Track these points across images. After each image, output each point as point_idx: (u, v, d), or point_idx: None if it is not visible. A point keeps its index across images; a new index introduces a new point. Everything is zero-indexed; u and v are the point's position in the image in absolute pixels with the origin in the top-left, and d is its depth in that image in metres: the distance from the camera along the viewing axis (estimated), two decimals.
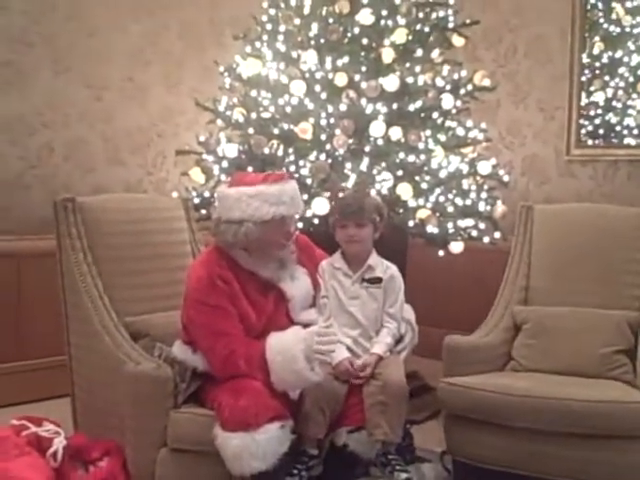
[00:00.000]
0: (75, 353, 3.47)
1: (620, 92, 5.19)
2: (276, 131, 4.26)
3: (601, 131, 5.28)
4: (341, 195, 3.31)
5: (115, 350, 3.21)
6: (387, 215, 3.38)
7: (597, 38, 5.26)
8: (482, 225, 4.39)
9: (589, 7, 5.24)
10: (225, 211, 3.09)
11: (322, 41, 4.30)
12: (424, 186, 4.17)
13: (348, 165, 4.05)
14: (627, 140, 5.16)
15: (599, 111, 5.27)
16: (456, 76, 4.46)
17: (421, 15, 4.40)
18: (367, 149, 4.14)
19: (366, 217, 3.21)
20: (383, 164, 4.10)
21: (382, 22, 4.28)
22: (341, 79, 4.14)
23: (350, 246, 3.23)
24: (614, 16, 5.16)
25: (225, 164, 4.35)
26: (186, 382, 3.08)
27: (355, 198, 3.24)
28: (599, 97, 5.26)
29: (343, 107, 4.12)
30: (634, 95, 5.12)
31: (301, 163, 4.12)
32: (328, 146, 4.10)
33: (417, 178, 4.17)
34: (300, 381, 2.97)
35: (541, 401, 3.29)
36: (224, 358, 2.96)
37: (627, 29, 5.13)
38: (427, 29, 4.41)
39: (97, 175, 5.10)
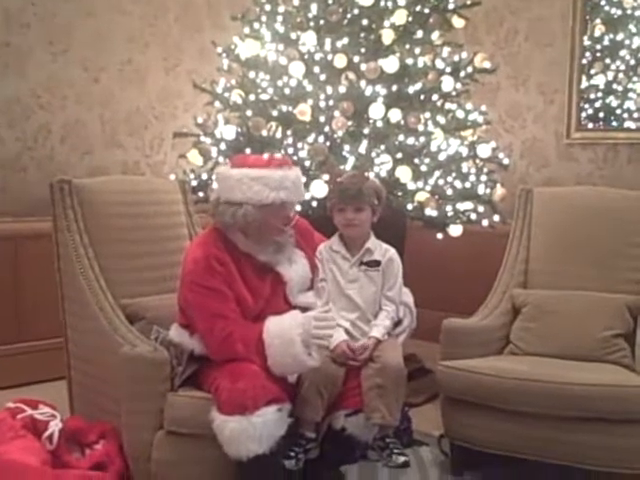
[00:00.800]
0: (71, 335, 3.46)
1: (621, 75, 5.16)
2: (274, 113, 4.24)
3: (601, 114, 5.25)
4: (340, 178, 3.28)
5: (111, 332, 3.19)
6: (385, 198, 3.36)
7: (598, 20, 5.23)
8: (481, 208, 4.38)
9: None
10: (225, 192, 3.07)
11: (321, 22, 4.27)
12: (423, 169, 4.15)
13: (347, 147, 4.03)
14: (627, 123, 5.14)
15: (599, 94, 5.24)
16: (456, 58, 4.43)
17: None
18: (366, 131, 4.12)
19: (365, 201, 3.19)
20: (382, 146, 4.08)
21: (382, 3, 4.24)
22: (340, 61, 4.12)
23: (349, 230, 3.22)
24: None
25: (223, 146, 4.33)
26: (183, 365, 3.07)
27: (354, 182, 3.22)
28: (599, 80, 5.24)
29: (342, 89, 4.10)
30: (635, 78, 5.10)
31: (299, 145, 4.10)
32: (327, 128, 4.08)
33: (416, 161, 4.15)
34: (297, 366, 2.95)
35: (539, 384, 3.28)
36: (221, 341, 2.95)
37: (628, 11, 5.10)
38: (427, 10, 4.37)
39: (94, 157, 5.09)
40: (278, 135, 4.14)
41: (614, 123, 5.20)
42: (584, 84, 5.29)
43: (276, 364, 2.93)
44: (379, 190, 3.28)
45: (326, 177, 3.84)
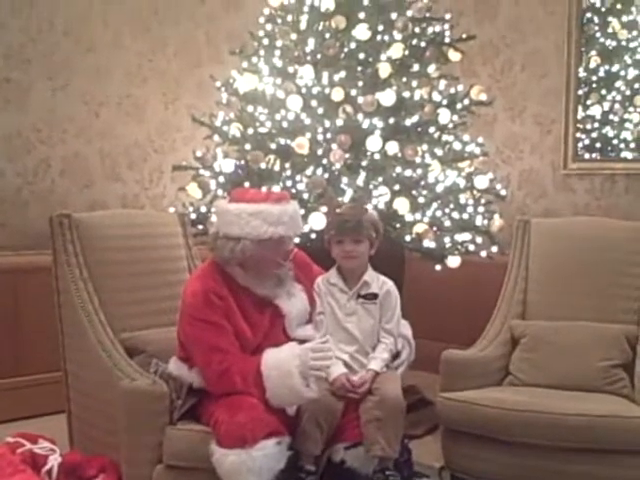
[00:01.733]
0: (71, 369, 3.46)
1: (617, 105, 5.19)
2: (273, 146, 4.26)
3: (598, 145, 5.27)
4: (338, 210, 3.30)
5: (111, 366, 3.19)
6: (383, 230, 3.38)
7: (593, 52, 5.27)
8: (479, 239, 4.38)
9: (585, 21, 5.24)
10: (223, 226, 3.08)
11: (319, 56, 4.30)
12: (421, 200, 4.17)
13: (345, 180, 4.05)
14: (624, 154, 5.16)
15: (596, 125, 5.27)
16: (453, 90, 4.46)
17: (417, 30, 4.40)
18: (364, 164, 4.14)
19: (363, 233, 3.20)
20: (380, 179, 4.10)
21: (378, 37, 4.28)
22: (338, 94, 4.15)
23: (347, 262, 3.22)
24: (610, 30, 5.16)
25: (222, 179, 4.35)
26: (182, 398, 3.07)
27: (352, 214, 3.23)
28: (596, 111, 5.26)
29: (340, 122, 4.13)
30: (631, 108, 5.12)
31: (298, 178, 4.12)
32: (325, 161, 4.10)
33: (414, 192, 4.16)
34: (295, 397, 2.95)
35: (539, 415, 3.29)
36: (219, 374, 2.95)
37: (623, 43, 5.13)
38: (423, 44, 4.41)
39: (94, 191, 5.11)
40: (276, 168, 4.16)
41: (611, 153, 5.23)
42: (580, 114, 5.31)
43: (274, 396, 2.93)
44: (377, 223, 3.29)
45: (324, 209, 3.86)
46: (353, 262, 3.21)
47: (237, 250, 3.02)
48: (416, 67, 4.37)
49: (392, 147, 4.09)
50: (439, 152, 4.34)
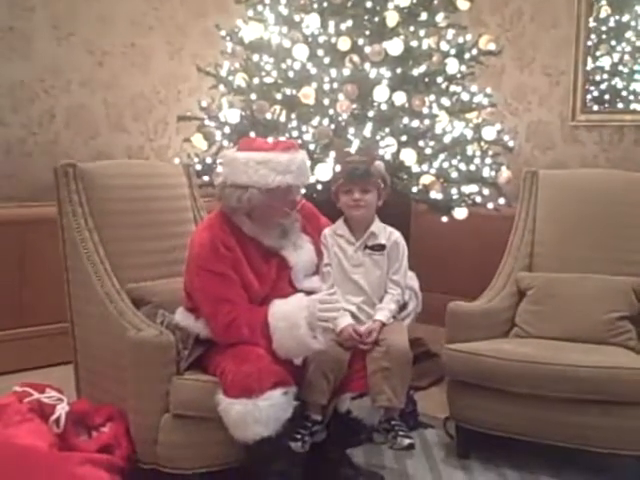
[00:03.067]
0: (77, 320, 3.46)
1: (627, 57, 5.14)
2: (279, 96, 4.23)
3: (607, 96, 5.23)
4: (347, 158, 3.26)
5: (117, 317, 3.19)
6: (390, 183, 3.35)
7: (604, 2, 5.21)
8: (486, 191, 4.36)
9: None
10: (231, 175, 3.06)
11: (325, 4, 4.25)
12: (428, 151, 4.14)
13: (351, 130, 4.01)
14: (633, 105, 5.13)
15: (605, 76, 5.23)
16: (461, 40, 4.42)
17: None
18: (371, 114, 4.10)
19: (372, 182, 3.17)
20: (387, 129, 4.07)
21: None
22: (344, 43, 4.10)
23: (355, 211, 3.19)
24: None
25: (227, 130, 4.32)
26: (189, 349, 3.08)
27: (361, 162, 3.20)
28: (605, 62, 5.22)
29: (346, 72, 4.08)
30: None
31: (304, 128, 4.08)
32: (331, 111, 4.07)
33: (421, 143, 4.14)
34: (302, 349, 2.96)
35: (544, 367, 3.30)
36: (227, 325, 2.96)
37: None
38: None
39: (99, 142, 5.08)
40: (282, 118, 4.13)
41: (620, 105, 5.19)
42: (590, 66, 5.27)
43: (281, 347, 2.93)
44: (385, 173, 3.27)
45: (331, 160, 3.83)
46: (361, 211, 3.18)
47: (244, 199, 3.01)
48: (424, 16, 4.31)
49: (399, 97, 4.05)
50: (447, 103, 4.30)
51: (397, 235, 3.27)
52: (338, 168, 3.32)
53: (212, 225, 3.10)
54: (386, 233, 3.25)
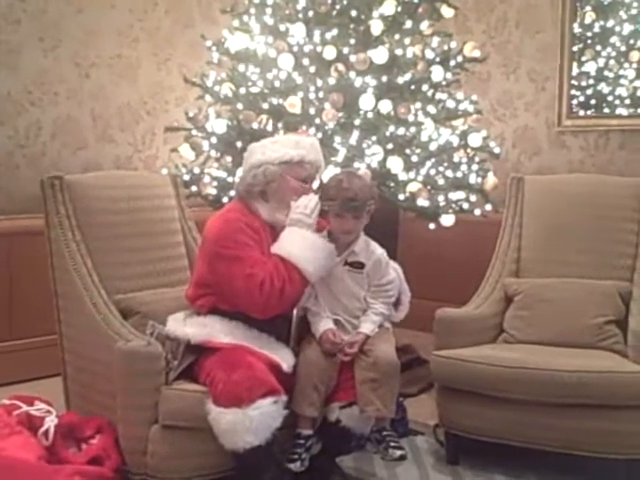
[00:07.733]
0: (66, 331, 3.46)
1: (612, 62, 5.16)
2: (265, 106, 4.23)
3: (593, 101, 5.26)
4: (344, 184, 3.10)
5: (105, 328, 3.19)
6: (377, 190, 3.35)
7: (588, 7, 5.23)
8: (473, 197, 4.38)
9: None
10: (248, 160, 3.20)
11: (310, 14, 4.25)
12: (414, 159, 4.15)
13: (338, 139, 4.02)
14: (619, 110, 5.14)
15: (591, 81, 5.25)
16: (446, 47, 4.42)
17: None
18: (357, 123, 4.11)
19: (365, 210, 3.15)
20: (373, 137, 4.08)
21: None
22: (330, 52, 4.11)
23: (346, 237, 3.16)
24: None
25: (214, 140, 4.33)
26: (178, 359, 3.08)
27: (360, 194, 3.09)
28: (590, 67, 5.24)
29: (332, 80, 4.10)
30: (626, 64, 5.10)
31: None
32: (317, 120, 4.07)
33: (407, 151, 4.15)
34: (327, 249, 3.07)
35: (533, 372, 3.31)
36: (266, 298, 2.96)
37: None
38: (416, 0, 4.36)
39: (87, 153, 5.08)
40: (269, 128, 4.13)
41: (606, 110, 5.21)
42: (575, 71, 5.29)
43: (316, 265, 3.03)
44: (374, 191, 3.21)
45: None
46: (351, 236, 3.17)
47: (259, 174, 3.10)
48: (409, 24, 4.32)
49: (385, 105, 4.06)
50: (432, 110, 4.31)
51: (379, 253, 3.21)
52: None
53: (230, 210, 3.17)
54: (368, 252, 3.19)
